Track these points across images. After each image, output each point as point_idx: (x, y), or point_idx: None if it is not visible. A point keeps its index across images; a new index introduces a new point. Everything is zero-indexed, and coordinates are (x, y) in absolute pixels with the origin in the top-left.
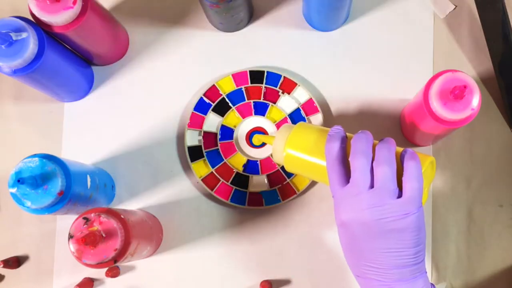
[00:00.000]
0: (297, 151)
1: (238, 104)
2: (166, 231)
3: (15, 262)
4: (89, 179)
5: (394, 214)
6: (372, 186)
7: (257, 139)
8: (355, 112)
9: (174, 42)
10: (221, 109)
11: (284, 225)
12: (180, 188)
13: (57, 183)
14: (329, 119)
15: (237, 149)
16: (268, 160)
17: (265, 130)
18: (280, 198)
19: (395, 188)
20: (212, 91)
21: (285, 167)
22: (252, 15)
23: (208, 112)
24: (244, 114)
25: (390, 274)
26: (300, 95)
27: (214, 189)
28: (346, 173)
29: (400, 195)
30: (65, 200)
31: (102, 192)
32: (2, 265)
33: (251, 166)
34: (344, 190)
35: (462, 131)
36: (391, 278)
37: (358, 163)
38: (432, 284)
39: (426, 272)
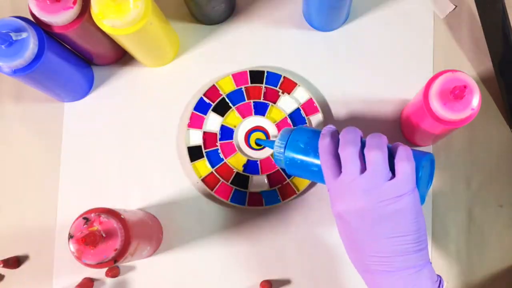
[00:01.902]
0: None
1: (238, 104)
2: (166, 231)
3: (15, 262)
4: None
5: (388, 196)
6: (364, 171)
7: (256, 137)
8: (355, 112)
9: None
10: (221, 109)
11: (284, 225)
12: (180, 188)
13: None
14: (329, 119)
15: (237, 149)
16: (268, 160)
17: (265, 129)
18: (280, 198)
19: (387, 171)
20: (212, 91)
21: (287, 170)
22: (235, 7)
23: (208, 112)
24: (244, 114)
25: (395, 262)
26: (300, 95)
27: (214, 189)
28: (339, 166)
29: (393, 178)
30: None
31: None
32: (2, 265)
33: (251, 166)
34: (337, 181)
35: (462, 131)
36: (396, 267)
37: (347, 151)
38: (438, 275)
39: (430, 262)
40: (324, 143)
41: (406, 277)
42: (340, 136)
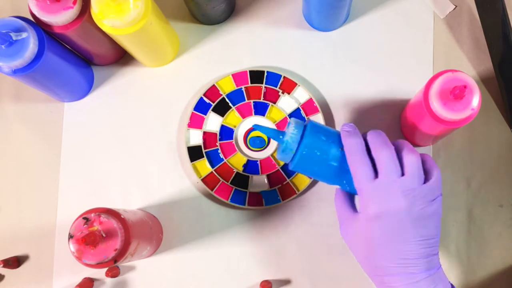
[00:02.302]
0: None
1: (238, 104)
2: (166, 231)
3: (15, 262)
4: None
5: (425, 199)
6: (402, 175)
7: (256, 135)
8: (355, 112)
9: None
10: (221, 109)
11: (284, 225)
12: (180, 188)
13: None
14: (329, 119)
15: (237, 149)
16: (268, 160)
17: None
18: (280, 198)
19: (423, 174)
20: (212, 91)
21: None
22: (235, 7)
23: (208, 112)
24: (244, 114)
25: (417, 265)
26: (300, 95)
27: (214, 189)
28: (373, 167)
29: (425, 181)
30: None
31: None
32: (2, 265)
33: (251, 166)
34: (376, 182)
35: (462, 131)
36: (418, 269)
37: (386, 154)
38: (450, 283)
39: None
40: (355, 141)
41: (427, 279)
42: (370, 138)
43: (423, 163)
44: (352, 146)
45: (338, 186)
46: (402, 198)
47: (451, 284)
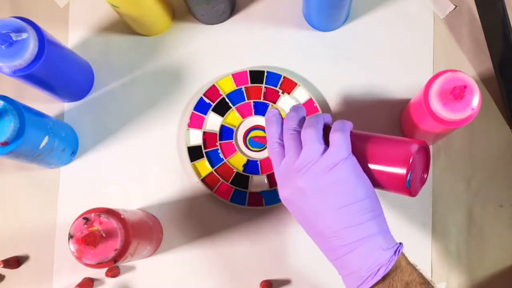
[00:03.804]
0: None
1: (238, 104)
2: (166, 231)
3: (15, 262)
4: (45, 141)
5: (322, 168)
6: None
7: (256, 137)
8: (355, 112)
9: (174, 43)
10: (221, 109)
11: (284, 225)
12: (180, 188)
13: (4, 132)
14: None
15: (237, 149)
16: (268, 160)
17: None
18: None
19: (320, 144)
20: (212, 91)
21: None
22: (235, 7)
23: (208, 112)
24: (244, 114)
25: (346, 234)
26: (300, 95)
27: (214, 189)
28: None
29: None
30: (4, 151)
31: (55, 155)
32: (2, 265)
33: (251, 166)
34: (280, 167)
35: (462, 131)
36: (348, 239)
37: (286, 138)
38: (399, 243)
39: (388, 230)
40: (271, 130)
41: (359, 248)
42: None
43: (329, 130)
44: (267, 135)
45: None
46: (298, 175)
47: (398, 247)
